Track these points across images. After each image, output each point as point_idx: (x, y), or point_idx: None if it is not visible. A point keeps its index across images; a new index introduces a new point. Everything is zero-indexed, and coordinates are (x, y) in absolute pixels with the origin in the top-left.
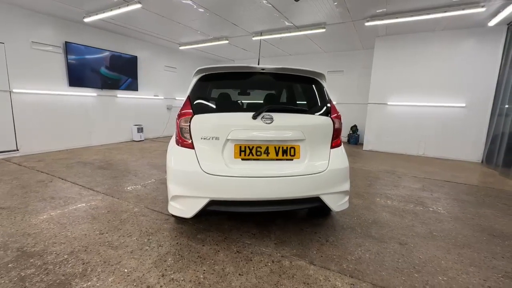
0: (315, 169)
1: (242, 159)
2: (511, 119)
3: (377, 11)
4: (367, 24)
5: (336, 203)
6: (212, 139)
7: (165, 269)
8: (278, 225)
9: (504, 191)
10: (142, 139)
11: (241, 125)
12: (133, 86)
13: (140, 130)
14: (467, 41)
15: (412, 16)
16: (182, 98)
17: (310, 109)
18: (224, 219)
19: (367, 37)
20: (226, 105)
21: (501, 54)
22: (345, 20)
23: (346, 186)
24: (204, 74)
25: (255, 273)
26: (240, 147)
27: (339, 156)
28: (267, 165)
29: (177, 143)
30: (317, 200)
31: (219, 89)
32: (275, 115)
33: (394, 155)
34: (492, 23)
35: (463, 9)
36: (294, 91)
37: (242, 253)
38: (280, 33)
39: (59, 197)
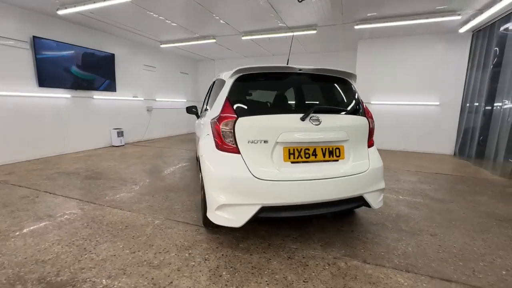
0: (359, 168)
1: (292, 162)
2: (477, 115)
3: (368, 14)
4: (356, 27)
5: (376, 201)
6: (261, 142)
7: (225, 285)
8: (315, 226)
9: (484, 180)
10: (123, 143)
11: (290, 127)
12: (110, 86)
13: (120, 134)
14: (440, 45)
15: (398, 21)
16: (163, 99)
17: (349, 109)
18: (256, 225)
19: (351, 40)
20: (269, 107)
21: (468, 58)
22: (337, 22)
23: (383, 184)
24: (242, 74)
25: (319, 278)
26: (289, 149)
27: (376, 155)
28: (316, 167)
29: (218, 147)
30: (360, 199)
31: (258, 90)
32: (321, 116)
33: (380, 151)
34: (462, 30)
35: (442, 16)
36: (330, 91)
37: (295, 259)
38: (272, 33)
39: (57, 214)
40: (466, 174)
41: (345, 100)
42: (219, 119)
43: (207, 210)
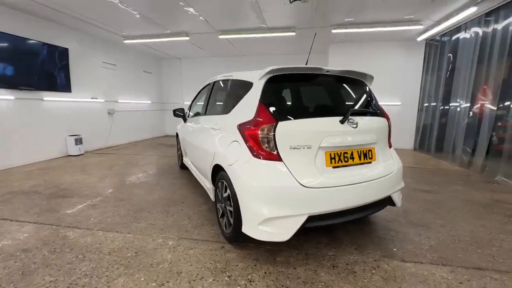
0: (388, 169)
1: (333, 167)
2: (433, 114)
3: (346, 19)
4: (333, 31)
5: (399, 199)
6: (304, 148)
7: None
8: (339, 229)
9: (449, 170)
10: (82, 152)
11: (332, 130)
12: (64, 86)
13: (78, 141)
14: (401, 51)
15: (370, 27)
16: (126, 101)
17: (374, 111)
18: None
19: (323, 43)
20: (305, 110)
21: (422, 63)
22: (315, 25)
23: (403, 183)
24: (274, 75)
25: (373, 284)
26: (330, 154)
27: (396, 155)
28: (355, 171)
29: (255, 155)
30: (389, 199)
31: (288, 92)
32: (357, 119)
33: None
34: (419, 38)
35: (408, 25)
36: (354, 93)
37: (339, 267)
38: (250, 34)
39: (34, 248)
40: (432, 167)
41: (368, 102)
42: (255, 124)
43: (244, 226)
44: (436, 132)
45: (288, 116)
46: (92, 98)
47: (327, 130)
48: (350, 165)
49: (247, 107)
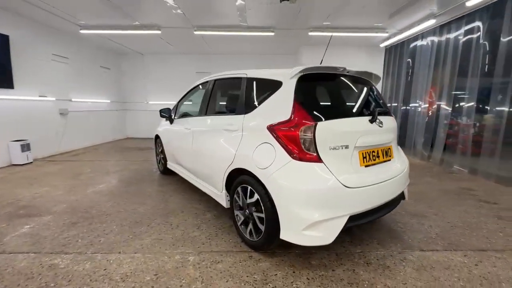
0: (403, 166)
1: (365, 166)
2: (394, 114)
3: (324, 23)
4: (310, 33)
5: (407, 193)
6: (342, 148)
7: None
8: (353, 226)
9: (414, 164)
10: (30, 160)
11: (365, 130)
12: (4, 81)
13: (25, 147)
14: (366, 56)
15: (344, 32)
16: (81, 99)
17: (387, 110)
18: None
19: (294, 45)
20: (339, 109)
21: (383, 67)
22: (294, 27)
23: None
24: (304, 74)
25: (411, 276)
26: (363, 153)
27: (403, 152)
28: (381, 169)
29: (295, 157)
30: (402, 194)
31: (318, 91)
32: (381, 118)
33: None
34: (382, 45)
35: (376, 32)
36: (369, 94)
37: (373, 263)
38: (227, 31)
39: (15, 285)
40: None
41: (381, 101)
42: (294, 124)
43: (283, 232)
44: (398, 130)
45: (323, 116)
46: (40, 96)
47: (360, 130)
48: (377, 163)
49: (278, 107)
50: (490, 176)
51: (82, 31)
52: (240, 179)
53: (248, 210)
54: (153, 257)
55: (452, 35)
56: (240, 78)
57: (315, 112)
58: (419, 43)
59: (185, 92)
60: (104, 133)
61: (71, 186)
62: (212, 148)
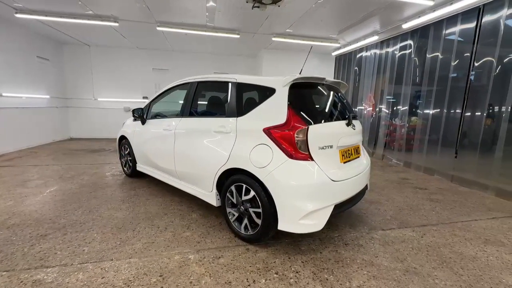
0: (368, 161)
1: (344, 163)
2: None
3: (286, 30)
4: (273, 39)
5: (369, 184)
6: (327, 148)
7: (352, 286)
8: None
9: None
10: None
11: (344, 132)
12: None
13: None
14: (319, 62)
15: (300, 39)
16: (13, 94)
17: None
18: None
19: (254, 48)
20: (324, 114)
21: (333, 72)
22: (258, 31)
23: None
24: (294, 82)
25: (379, 250)
26: (342, 152)
27: (365, 150)
28: (354, 164)
29: (291, 157)
30: (367, 185)
31: (306, 98)
32: (353, 122)
33: None
34: (334, 53)
35: (330, 42)
36: (341, 100)
37: (350, 244)
38: (192, 30)
39: None
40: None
41: (350, 107)
42: (290, 127)
43: (282, 223)
44: None
45: (312, 120)
46: None
47: (340, 132)
48: (351, 160)
49: (273, 111)
50: (419, 167)
51: (18, 15)
52: (233, 178)
53: (243, 206)
54: (151, 260)
55: (390, 49)
56: (228, 83)
57: (305, 117)
58: (364, 54)
59: (158, 92)
60: (43, 134)
61: (21, 195)
62: (200, 149)
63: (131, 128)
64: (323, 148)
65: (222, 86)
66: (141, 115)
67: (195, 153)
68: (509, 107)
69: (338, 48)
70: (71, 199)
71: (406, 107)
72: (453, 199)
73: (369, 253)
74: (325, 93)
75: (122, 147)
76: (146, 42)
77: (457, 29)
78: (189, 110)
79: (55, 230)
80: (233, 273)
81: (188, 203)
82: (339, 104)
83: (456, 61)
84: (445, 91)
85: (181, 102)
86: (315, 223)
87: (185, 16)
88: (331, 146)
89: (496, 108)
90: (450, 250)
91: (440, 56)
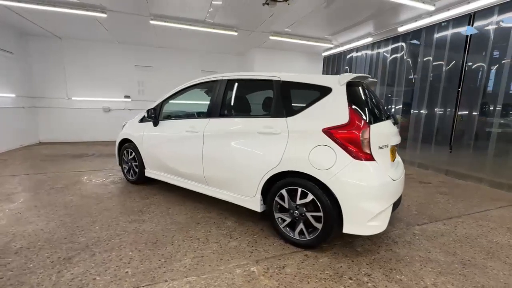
0: (400, 160)
1: (392, 161)
2: None
3: (285, 29)
4: (271, 37)
5: None
6: (384, 147)
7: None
8: None
9: None
10: None
11: (392, 131)
12: None
13: None
14: (308, 62)
15: (300, 39)
16: None
17: None
18: None
19: (244, 46)
20: (374, 113)
21: (322, 72)
22: (257, 29)
23: None
24: (349, 81)
25: (427, 245)
26: (391, 151)
27: None
28: (396, 163)
29: (356, 157)
30: None
31: (359, 97)
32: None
33: None
34: (324, 53)
35: (324, 42)
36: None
37: (399, 242)
38: (191, 25)
39: None
40: None
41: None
42: (354, 128)
43: (348, 225)
44: None
45: (373, 120)
46: None
47: (391, 131)
48: (395, 159)
49: (332, 111)
50: (413, 163)
51: None
52: (285, 182)
53: (297, 211)
54: (211, 276)
55: (381, 50)
56: (269, 81)
57: (364, 116)
58: (354, 54)
59: (172, 92)
60: (9, 138)
61: (13, 212)
62: (239, 152)
63: (138, 131)
64: (381, 147)
65: (261, 84)
66: (155, 116)
67: (232, 156)
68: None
69: (329, 49)
70: (79, 213)
71: (400, 106)
72: (457, 192)
73: (420, 249)
74: (368, 92)
75: (125, 152)
76: (130, 36)
77: (448, 33)
78: (219, 110)
79: (78, 251)
80: (308, 283)
81: (217, 210)
82: (379, 102)
83: (444, 64)
84: (437, 91)
85: (197, 102)
86: (380, 224)
87: (183, 10)
88: (387, 146)
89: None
90: (486, 240)
91: (431, 59)
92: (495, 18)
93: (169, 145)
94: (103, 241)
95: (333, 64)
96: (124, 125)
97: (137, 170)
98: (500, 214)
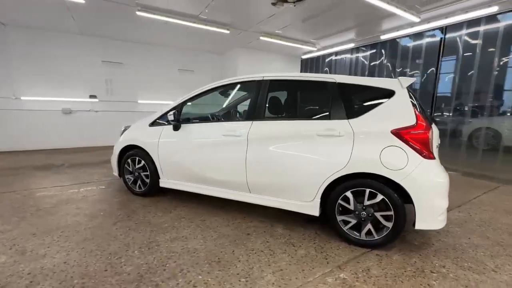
0: None
1: None
2: None
3: (276, 31)
4: (261, 38)
5: None
6: (437, 147)
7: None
8: None
9: None
10: None
11: (438, 132)
12: None
13: None
14: (286, 63)
15: (287, 41)
16: None
17: None
18: None
19: (230, 45)
20: (426, 114)
21: (299, 72)
22: (249, 29)
23: None
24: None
25: (479, 229)
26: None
27: None
28: None
29: (425, 157)
30: None
31: (412, 99)
32: None
33: None
34: (304, 56)
35: (308, 45)
36: None
37: (450, 231)
38: (182, 20)
39: None
40: None
41: None
42: (422, 128)
43: (421, 222)
44: None
45: (428, 121)
46: None
47: (436, 131)
48: None
49: (398, 113)
50: None
51: None
52: (351, 184)
53: (365, 212)
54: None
55: (361, 55)
56: (325, 83)
57: (425, 117)
58: (333, 58)
59: (194, 93)
60: None
61: (8, 244)
62: (300, 156)
63: (151, 136)
64: (437, 146)
65: (312, 86)
66: (177, 119)
67: (287, 161)
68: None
69: (310, 52)
70: (100, 237)
71: None
72: None
73: (461, 236)
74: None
75: (129, 161)
76: (99, 28)
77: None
78: (263, 113)
79: (135, 283)
80: (402, 282)
81: (256, 218)
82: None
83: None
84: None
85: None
86: (444, 218)
87: (178, 3)
88: (438, 146)
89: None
90: (498, 222)
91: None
92: (463, 31)
93: (198, 151)
94: (157, 267)
95: (311, 67)
96: (123, 130)
97: (147, 180)
98: (491, 197)
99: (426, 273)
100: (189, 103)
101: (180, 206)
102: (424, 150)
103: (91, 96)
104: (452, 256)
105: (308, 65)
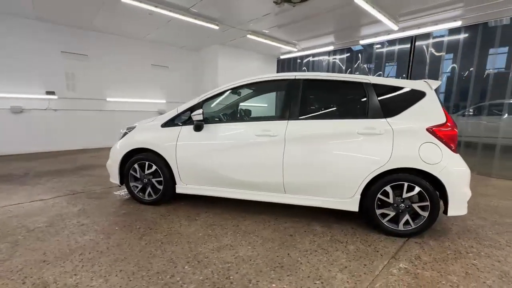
0: None
1: None
2: None
3: (263, 30)
4: (248, 36)
5: None
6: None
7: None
8: None
9: None
10: None
11: None
12: None
13: None
14: (262, 62)
15: (271, 41)
16: None
17: None
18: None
19: (209, 42)
20: None
21: (275, 71)
22: (238, 26)
23: None
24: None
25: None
26: None
27: None
28: None
29: (453, 151)
30: None
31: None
32: None
33: None
34: (282, 56)
35: (291, 46)
36: None
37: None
38: (170, 11)
39: None
40: None
41: None
42: (452, 126)
43: (453, 209)
44: None
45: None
46: None
47: None
48: None
49: (430, 112)
50: None
51: None
52: (391, 178)
53: (403, 204)
54: (385, 283)
55: (338, 57)
56: (360, 83)
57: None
58: (311, 58)
59: (216, 91)
60: None
61: (19, 276)
62: (341, 154)
63: (167, 138)
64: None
65: (348, 86)
66: (201, 119)
67: (328, 159)
68: None
69: (289, 52)
70: (133, 256)
71: None
72: None
73: (464, 219)
74: None
75: (135, 166)
76: (61, 13)
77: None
78: (298, 112)
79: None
80: (453, 264)
81: (288, 218)
82: None
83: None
84: None
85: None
86: (467, 204)
87: None
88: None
89: None
90: (483, 204)
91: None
92: (430, 40)
93: (226, 153)
94: (221, 281)
95: (288, 66)
96: (125, 132)
97: (160, 187)
98: (482, 190)
99: (463, 254)
100: (209, 102)
101: (201, 212)
102: (452, 145)
103: (48, 93)
104: (471, 236)
105: (285, 65)
